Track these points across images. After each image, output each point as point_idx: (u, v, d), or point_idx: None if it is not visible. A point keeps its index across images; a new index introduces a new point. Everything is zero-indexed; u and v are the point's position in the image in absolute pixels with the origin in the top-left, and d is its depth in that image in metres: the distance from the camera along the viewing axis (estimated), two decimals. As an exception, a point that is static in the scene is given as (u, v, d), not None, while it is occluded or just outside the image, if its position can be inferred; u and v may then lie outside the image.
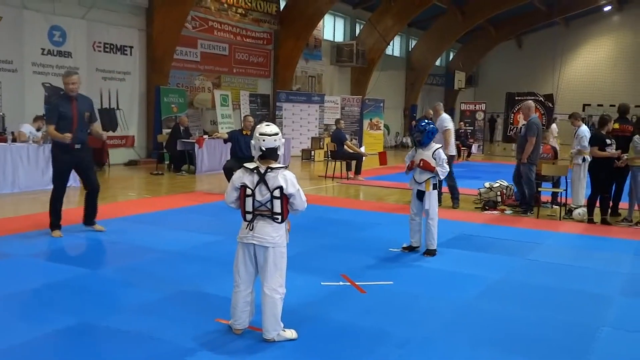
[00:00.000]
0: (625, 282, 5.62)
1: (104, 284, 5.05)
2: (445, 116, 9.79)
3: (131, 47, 14.87)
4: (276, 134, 3.78)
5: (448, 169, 6.29)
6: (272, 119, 18.59)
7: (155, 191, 10.82)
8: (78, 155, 6.67)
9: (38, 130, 10.88)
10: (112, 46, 14.42)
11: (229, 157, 10.69)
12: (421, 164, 6.21)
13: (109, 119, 14.36)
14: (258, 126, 3.87)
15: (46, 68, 12.86)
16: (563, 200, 9.26)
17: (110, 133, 14.22)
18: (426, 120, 6.44)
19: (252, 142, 3.82)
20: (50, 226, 6.72)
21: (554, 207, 9.67)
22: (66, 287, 4.89)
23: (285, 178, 3.76)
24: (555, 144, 11.72)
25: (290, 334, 3.88)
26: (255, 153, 3.81)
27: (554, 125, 14.33)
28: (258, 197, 3.77)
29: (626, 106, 9.42)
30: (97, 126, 6.98)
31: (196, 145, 13.46)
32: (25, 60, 12.47)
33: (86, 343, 3.76)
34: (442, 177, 6.27)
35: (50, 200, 6.74)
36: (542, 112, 23.13)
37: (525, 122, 9.34)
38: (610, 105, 9.79)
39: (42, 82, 12.77)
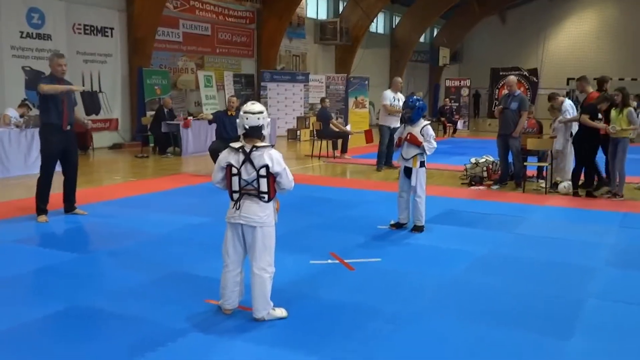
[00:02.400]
0: (611, 253, 5.69)
1: (93, 268, 5.02)
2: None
3: (112, 29, 14.62)
4: (260, 112, 3.76)
5: (435, 145, 6.29)
6: (257, 98, 18.42)
7: (140, 174, 10.74)
8: (68, 138, 6.66)
9: (22, 116, 10.71)
10: (92, 28, 14.16)
11: (214, 139, 10.64)
12: (408, 137, 6.23)
13: (92, 102, 14.16)
14: (244, 105, 3.85)
15: (25, 51, 12.60)
16: (548, 174, 9.34)
17: (94, 116, 14.05)
18: (415, 97, 6.45)
19: (238, 120, 3.80)
20: (37, 211, 6.64)
21: (540, 181, 9.75)
22: (54, 272, 4.86)
23: (271, 156, 3.75)
24: None
25: (281, 312, 3.89)
26: (240, 131, 3.80)
27: None
28: (244, 176, 3.76)
29: (604, 78, 9.51)
30: (77, 111, 6.94)
31: (181, 127, 13.36)
32: (4, 44, 12.21)
33: (76, 327, 3.75)
34: (429, 153, 6.28)
35: (37, 184, 6.65)
36: (527, 86, 23.22)
37: (506, 93, 9.61)
38: (594, 79, 9.77)
39: (22, 65, 12.54)
